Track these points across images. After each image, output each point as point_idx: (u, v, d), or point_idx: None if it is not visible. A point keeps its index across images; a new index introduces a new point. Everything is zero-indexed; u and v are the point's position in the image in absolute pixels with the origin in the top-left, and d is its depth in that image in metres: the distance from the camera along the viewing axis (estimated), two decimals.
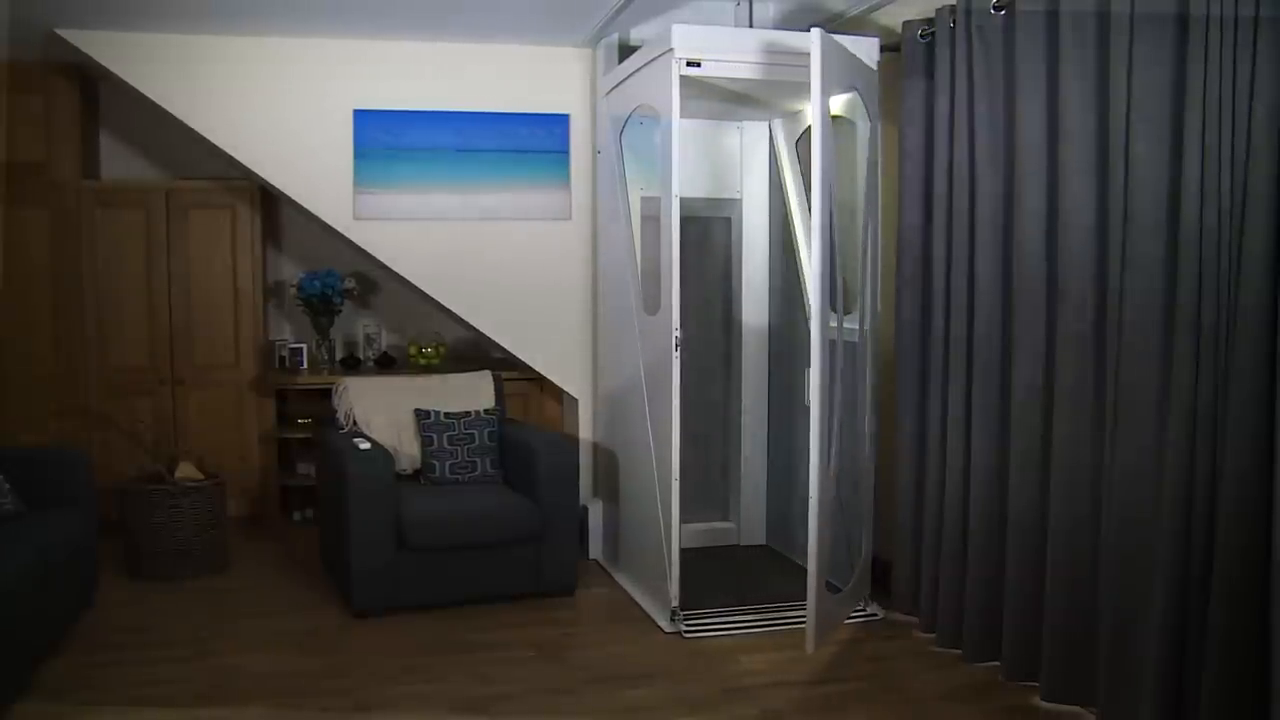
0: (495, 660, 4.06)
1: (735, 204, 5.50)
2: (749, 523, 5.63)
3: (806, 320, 5.09)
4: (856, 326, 4.62)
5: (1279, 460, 2.79)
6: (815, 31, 3.85)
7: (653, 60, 4.47)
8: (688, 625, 4.36)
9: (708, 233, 5.52)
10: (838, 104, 4.76)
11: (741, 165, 5.47)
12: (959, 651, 4.07)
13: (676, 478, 4.39)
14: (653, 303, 4.64)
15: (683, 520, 4.47)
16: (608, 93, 5.22)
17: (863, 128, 4.50)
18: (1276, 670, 2.75)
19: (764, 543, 5.62)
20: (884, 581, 4.60)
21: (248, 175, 5.60)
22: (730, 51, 4.30)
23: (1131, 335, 3.22)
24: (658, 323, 4.51)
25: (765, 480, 5.61)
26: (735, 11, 4.89)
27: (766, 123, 5.39)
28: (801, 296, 5.14)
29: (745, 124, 5.43)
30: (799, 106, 5.04)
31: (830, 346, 4.04)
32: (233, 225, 5.97)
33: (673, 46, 4.21)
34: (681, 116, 4.30)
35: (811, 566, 3.97)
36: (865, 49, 4.43)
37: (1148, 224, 3.16)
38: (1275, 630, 2.77)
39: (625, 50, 5.17)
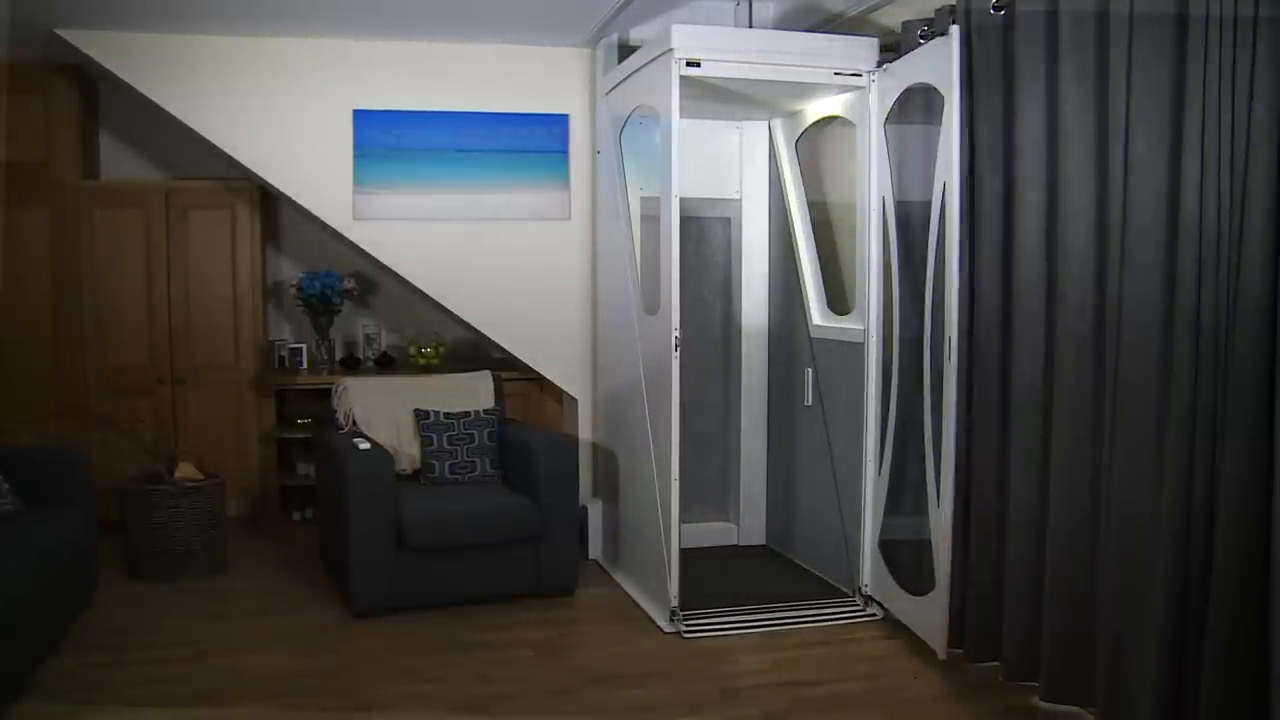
0: (495, 660, 4.06)
1: (735, 204, 5.50)
2: (749, 523, 5.63)
3: (806, 320, 5.10)
4: (856, 326, 4.63)
5: (1278, 460, 2.79)
6: (954, 29, 3.79)
7: (652, 60, 4.47)
8: (687, 625, 4.36)
9: (707, 233, 5.52)
10: (837, 104, 4.76)
11: (741, 165, 5.46)
12: (959, 651, 4.07)
13: (676, 478, 4.39)
14: (652, 303, 4.64)
15: (683, 520, 4.47)
16: (607, 93, 5.22)
17: (863, 130, 4.51)
18: (1276, 671, 2.75)
19: (764, 543, 5.62)
20: None
21: (247, 175, 5.60)
22: (730, 51, 4.30)
23: (1131, 335, 3.22)
24: (657, 323, 4.51)
25: (765, 480, 5.60)
26: (735, 11, 4.89)
27: (766, 123, 5.39)
28: (801, 297, 5.14)
29: (745, 124, 5.43)
30: (799, 106, 5.04)
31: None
32: (232, 225, 5.97)
33: (672, 46, 4.21)
34: (681, 116, 4.29)
35: (941, 577, 4.00)
36: (864, 49, 4.43)
37: (1147, 224, 3.16)
38: (1274, 630, 2.76)
39: (625, 50, 5.17)
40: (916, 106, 4.24)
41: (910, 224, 4.32)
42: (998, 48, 3.79)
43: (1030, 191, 3.64)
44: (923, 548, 4.17)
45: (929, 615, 4.08)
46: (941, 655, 3.98)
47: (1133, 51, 3.17)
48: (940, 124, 3.97)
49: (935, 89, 4.00)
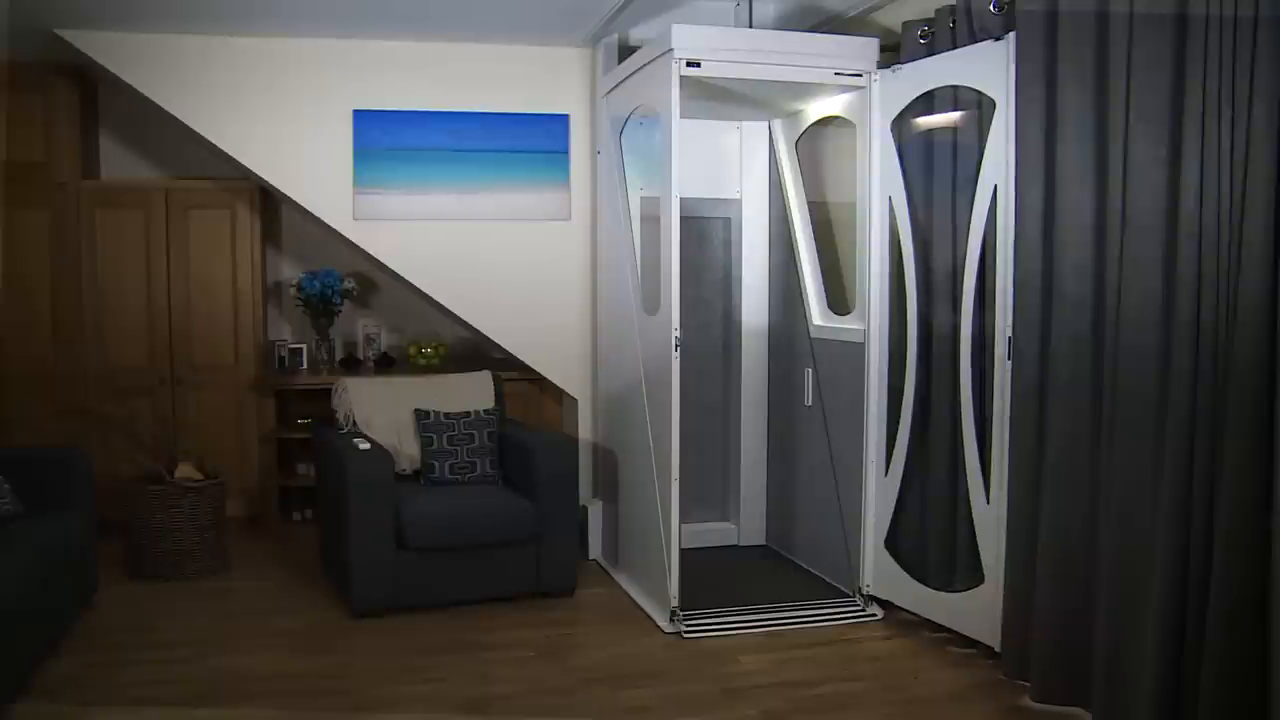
0: (495, 661, 4.06)
1: (734, 204, 5.50)
2: (748, 523, 5.63)
3: (806, 320, 5.10)
4: (856, 326, 4.63)
5: (1277, 460, 2.79)
6: (1011, 35, 3.73)
7: (652, 60, 4.47)
8: (687, 625, 4.36)
9: (707, 233, 5.51)
10: (837, 104, 4.76)
11: (741, 165, 5.46)
12: (971, 651, 4.07)
13: (676, 478, 4.39)
14: (652, 303, 4.64)
15: (682, 520, 4.47)
16: (607, 93, 5.22)
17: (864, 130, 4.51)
18: (1274, 671, 2.75)
19: (763, 543, 5.61)
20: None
21: (247, 175, 5.60)
22: (730, 51, 4.30)
23: (1130, 335, 3.22)
24: (657, 323, 4.51)
25: (765, 480, 5.60)
26: (735, 12, 4.89)
27: (766, 123, 5.38)
28: (801, 297, 5.14)
29: (744, 124, 5.43)
30: (799, 106, 5.04)
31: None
32: (232, 225, 5.96)
33: (672, 47, 4.21)
34: (681, 116, 4.29)
35: (994, 572, 3.94)
36: (864, 49, 4.43)
37: (1146, 224, 3.16)
38: (1274, 631, 2.77)
39: (625, 50, 5.17)
40: (941, 108, 4.21)
41: (927, 224, 4.30)
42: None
43: (1029, 191, 3.64)
44: (958, 544, 4.15)
45: (973, 610, 4.04)
46: (997, 647, 3.91)
47: (1132, 52, 3.18)
48: (968, 125, 3.99)
49: (970, 90, 3.99)
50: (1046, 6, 3.53)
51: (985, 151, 3.90)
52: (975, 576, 4.05)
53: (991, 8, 3.78)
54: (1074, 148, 3.44)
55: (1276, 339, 2.83)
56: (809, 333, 5.09)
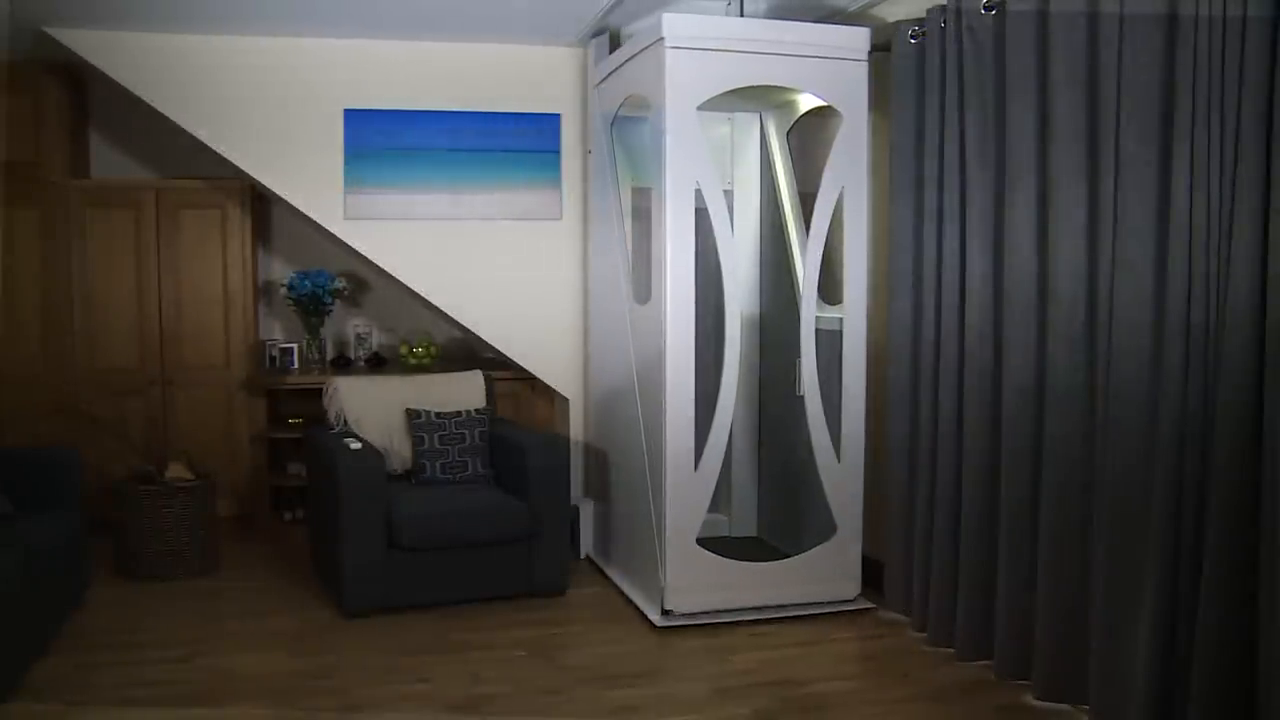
0: (486, 660, 4.06)
1: (726, 195, 5.48)
2: (740, 515, 5.62)
3: (798, 310, 5.09)
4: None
5: (1266, 461, 2.80)
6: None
7: (643, 50, 4.46)
8: (679, 624, 4.36)
9: (698, 225, 5.49)
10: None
11: (733, 157, 5.45)
12: (951, 650, 4.07)
13: (669, 475, 4.39)
14: (644, 293, 4.64)
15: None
16: (598, 84, 5.20)
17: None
18: (1265, 669, 2.76)
19: (755, 534, 5.60)
20: (876, 580, 4.60)
21: (238, 175, 5.58)
22: (721, 41, 4.29)
23: (1121, 335, 3.23)
24: (649, 312, 4.51)
25: (756, 472, 5.60)
26: (726, 11, 4.88)
27: (757, 114, 5.38)
28: (793, 287, 5.13)
29: (736, 115, 5.42)
30: (790, 97, 5.03)
31: None
32: (223, 225, 5.95)
33: (663, 35, 4.21)
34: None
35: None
36: (854, 40, 4.42)
37: (1137, 224, 3.17)
38: (1263, 628, 2.77)
39: (616, 48, 5.16)
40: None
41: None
42: (989, 48, 3.80)
43: (1020, 190, 3.64)
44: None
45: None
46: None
47: (1122, 52, 3.19)
48: None
49: None
50: (1038, 6, 3.54)
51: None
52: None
53: (982, 8, 3.78)
54: (1065, 147, 3.45)
55: (1264, 338, 2.83)
56: (800, 323, 5.08)
